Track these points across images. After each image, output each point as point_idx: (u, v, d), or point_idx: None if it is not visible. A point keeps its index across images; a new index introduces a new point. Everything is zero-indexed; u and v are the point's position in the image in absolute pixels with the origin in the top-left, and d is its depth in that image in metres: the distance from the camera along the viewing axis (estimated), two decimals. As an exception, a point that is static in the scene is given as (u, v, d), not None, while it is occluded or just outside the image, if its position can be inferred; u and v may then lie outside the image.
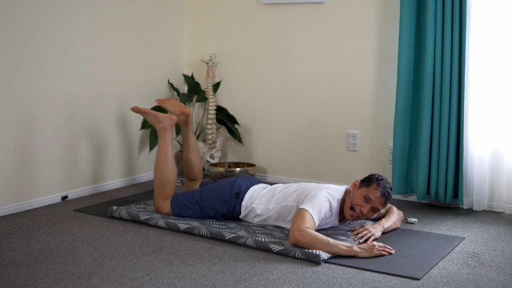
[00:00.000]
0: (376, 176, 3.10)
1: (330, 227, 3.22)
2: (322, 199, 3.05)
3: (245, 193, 3.34)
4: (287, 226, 3.23)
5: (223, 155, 4.68)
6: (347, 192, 3.18)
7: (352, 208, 3.09)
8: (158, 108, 4.38)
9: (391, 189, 3.10)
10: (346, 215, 3.15)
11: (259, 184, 3.44)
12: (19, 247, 2.95)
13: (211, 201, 3.36)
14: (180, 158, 4.58)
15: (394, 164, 3.84)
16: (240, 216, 3.34)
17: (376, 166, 4.08)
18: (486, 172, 3.62)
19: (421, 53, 3.74)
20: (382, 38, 3.97)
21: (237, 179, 3.43)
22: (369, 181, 3.09)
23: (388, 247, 2.89)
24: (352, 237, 3.07)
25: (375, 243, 2.89)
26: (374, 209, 3.08)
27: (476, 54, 3.54)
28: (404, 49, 3.73)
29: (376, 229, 3.10)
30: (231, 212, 3.33)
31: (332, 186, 3.22)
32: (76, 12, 3.83)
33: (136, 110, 3.65)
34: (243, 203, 3.31)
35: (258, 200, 3.30)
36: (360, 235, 3.04)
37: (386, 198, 3.07)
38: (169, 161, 3.49)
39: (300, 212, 2.96)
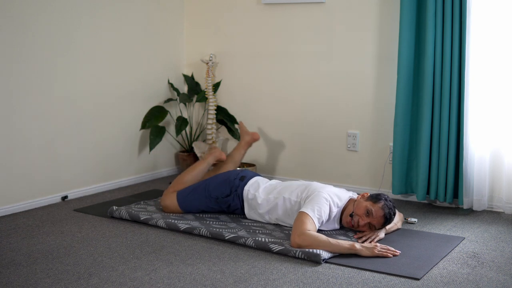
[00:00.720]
0: (386, 197, 3.11)
1: (331, 230, 3.22)
2: (323, 201, 3.06)
3: (250, 178, 3.44)
4: (288, 221, 3.23)
5: (223, 155, 4.68)
6: (350, 200, 3.20)
7: (351, 216, 3.10)
8: (156, 110, 4.39)
9: (394, 214, 3.10)
10: (344, 221, 3.17)
11: (263, 178, 3.53)
12: (19, 247, 2.95)
13: (217, 181, 3.47)
14: (180, 159, 4.59)
15: (394, 164, 3.84)
16: (244, 198, 3.38)
17: (376, 166, 4.08)
18: (486, 172, 3.62)
19: (421, 53, 3.74)
20: (382, 38, 3.97)
21: (245, 169, 3.60)
22: (377, 198, 3.09)
23: (392, 248, 2.89)
24: (354, 238, 3.07)
25: (377, 244, 2.89)
26: (371, 226, 3.08)
27: (476, 54, 3.54)
28: (404, 49, 3.73)
29: (379, 231, 3.10)
30: (233, 192, 3.38)
31: (336, 190, 3.21)
32: (76, 12, 3.83)
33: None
34: (246, 187, 3.38)
35: (261, 189, 3.35)
36: (364, 238, 3.04)
37: (386, 220, 3.07)
38: (195, 174, 3.69)
39: (300, 216, 2.96)
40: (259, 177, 3.50)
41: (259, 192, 3.34)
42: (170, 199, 3.49)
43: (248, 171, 3.56)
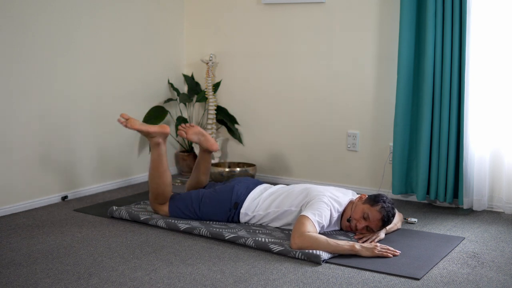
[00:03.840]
0: (384, 198, 3.07)
1: (331, 230, 3.22)
2: (324, 206, 3.04)
3: (244, 201, 3.29)
4: (289, 228, 3.22)
5: (223, 155, 4.68)
6: (349, 203, 3.18)
7: (349, 220, 3.10)
8: (156, 110, 4.38)
9: (393, 216, 3.07)
10: (342, 225, 3.18)
11: (256, 188, 3.37)
12: (19, 247, 2.95)
13: (210, 213, 3.32)
14: (180, 159, 4.59)
15: (394, 164, 3.84)
16: (241, 222, 3.33)
17: (376, 166, 4.08)
18: (486, 172, 3.62)
19: (421, 53, 3.74)
20: (382, 38, 3.97)
21: (235, 185, 3.34)
22: (375, 201, 3.06)
23: (392, 249, 2.88)
24: (354, 239, 3.07)
25: (377, 244, 2.89)
26: (369, 229, 3.07)
27: (476, 54, 3.54)
28: (404, 49, 3.73)
29: (379, 231, 3.10)
30: (230, 220, 3.32)
31: (336, 195, 3.18)
32: (76, 12, 3.83)
33: (125, 125, 3.36)
34: (242, 211, 3.28)
35: (258, 207, 3.27)
36: (364, 239, 3.04)
37: (384, 223, 3.05)
38: (164, 176, 3.34)
39: (300, 219, 2.94)
40: (252, 193, 3.32)
41: (257, 210, 3.26)
42: (164, 213, 3.38)
43: (238, 188, 3.33)
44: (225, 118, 4.50)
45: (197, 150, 4.49)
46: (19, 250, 2.90)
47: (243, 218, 3.29)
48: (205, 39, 4.66)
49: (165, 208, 3.39)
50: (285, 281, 2.56)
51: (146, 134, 3.38)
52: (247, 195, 3.30)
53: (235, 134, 4.50)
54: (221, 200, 3.31)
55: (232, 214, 3.29)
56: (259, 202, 3.28)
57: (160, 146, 3.37)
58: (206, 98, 4.49)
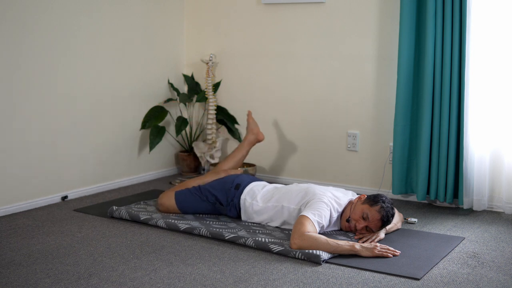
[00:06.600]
0: (383, 198, 3.07)
1: (331, 230, 3.22)
2: (323, 206, 3.04)
3: (246, 186, 3.38)
4: (287, 227, 3.22)
5: (223, 155, 4.68)
6: (348, 204, 3.18)
7: (348, 221, 3.09)
8: (155, 110, 4.37)
9: (392, 216, 3.07)
10: (342, 225, 3.18)
11: (260, 182, 3.47)
12: (19, 247, 2.95)
13: (212, 188, 3.44)
14: (180, 159, 4.59)
15: (394, 164, 3.84)
16: (241, 211, 3.34)
17: (376, 166, 4.08)
18: (486, 172, 3.62)
19: (421, 53, 3.74)
20: (382, 38, 3.97)
21: (240, 174, 3.54)
22: (374, 201, 3.06)
23: (392, 249, 2.88)
24: (355, 239, 3.07)
25: (377, 244, 2.89)
26: (368, 229, 3.07)
27: (476, 54, 3.54)
28: (404, 49, 3.73)
29: (379, 231, 3.10)
30: (230, 202, 3.34)
31: (335, 195, 3.18)
32: (76, 12, 3.82)
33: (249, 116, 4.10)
34: (242, 196, 3.33)
35: (259, 197, 3.31)
36: (364, 239, 3.04)
37: (383, 223, 3.05)
38: (224, 170, 3.79)
39: (300, 219, 2.95)
40: (255, 182, 3.43)
41: (257, 200, 3.30)
42: (168, 198, 3.47)
43: (243, 176, 3.49)
44: (225, 118, 4.50)
45: (197, 150, 4.49)
46: (19, 250, 2.90)
47: (243, 204, 3.33)
48: (205, 39, 4.66)
49: (172, 192, 3.52)
50: (285, 281, 2.56)
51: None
52: (250, 183, 3.43)
53: (235, 134, 4.50)
54: (225, 181, 3.47)
55: (232, 195, 3.35)
56: (261, 192, 3.34)
57: (249, 146, 4.05)
58: (206, 98, 4.49)
